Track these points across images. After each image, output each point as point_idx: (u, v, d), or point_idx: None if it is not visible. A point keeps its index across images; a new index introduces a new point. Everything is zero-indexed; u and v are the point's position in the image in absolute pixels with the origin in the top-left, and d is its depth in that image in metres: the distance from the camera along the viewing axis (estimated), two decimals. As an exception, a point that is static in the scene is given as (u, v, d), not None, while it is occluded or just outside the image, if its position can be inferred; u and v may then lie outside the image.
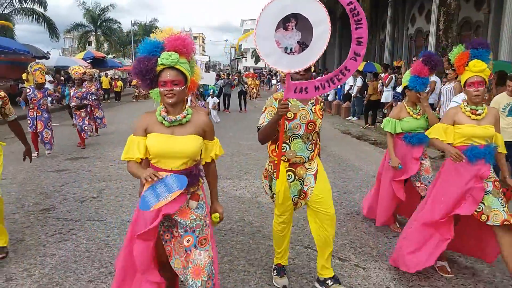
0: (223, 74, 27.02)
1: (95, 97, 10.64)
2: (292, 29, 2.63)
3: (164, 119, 2.36)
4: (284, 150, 3.06)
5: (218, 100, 15.15)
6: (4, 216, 3.95)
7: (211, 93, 13.87)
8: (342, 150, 9.23)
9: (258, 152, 8.77)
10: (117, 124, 13.19)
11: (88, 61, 24.36)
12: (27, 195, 5.76)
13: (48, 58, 21.17)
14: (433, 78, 9.34)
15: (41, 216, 4.92)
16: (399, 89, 9.48)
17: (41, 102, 8.32)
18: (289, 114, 2.94)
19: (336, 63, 27.40)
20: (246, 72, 30.69)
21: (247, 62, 64.24)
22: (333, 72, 2.72)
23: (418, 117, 4.26)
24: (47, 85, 15.18)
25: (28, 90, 8.31)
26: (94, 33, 39.58)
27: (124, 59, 41.62)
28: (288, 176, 3.09)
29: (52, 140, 8.52)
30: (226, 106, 17.89)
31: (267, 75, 34.25)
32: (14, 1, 24.92)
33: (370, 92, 13.02)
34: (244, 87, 18.15)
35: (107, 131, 11.61)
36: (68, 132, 11.35)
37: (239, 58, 69.82)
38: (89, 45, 42.40)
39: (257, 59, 56.48)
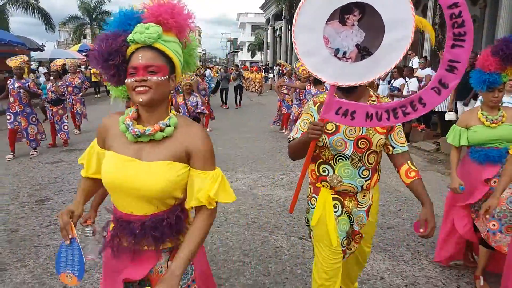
0: (214, 66, 26.20)
1: (77, 90, 9.94)
2: (353, 25, 1.84)
3: (128, 129, 1.52)
4: (326, 173, 2.21)
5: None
6: None
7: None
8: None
9: (253, 145, 8.88)
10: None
11: (83, 54, 24.17)
12: (22, 187, 5.74)
13: (43, 50, 21.07)
14: (429, 72, 9.37)
15: (35, 207, 4.91)
16: (395, 83, 9.45)
17: (21, 94, 7.47)
18: (329, 126, 2.14)
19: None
20: (252, 66, 30.14)
21: (244, 55, 64.02)
22: (399, 102, 1.91)
23: (494, 125, 3.04)
24: (42, 78, 15.05)
25: (9, 82, 7.55)
26: (89, 25, 39.28)
27: (120, 52, 41.27)
28: (334, 207, 2.23)
29: (39, 136, 7.80)
30: (224, 101, 16.70)
31: (263, 68, 34.11)
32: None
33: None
34: (242, 82, 17.49)
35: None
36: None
37: (236, 52, 69.62)
38: (84, 37, 42.06)
39: (253, 52, 56.35)
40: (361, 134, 2.12)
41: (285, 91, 10.40)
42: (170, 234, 1.54)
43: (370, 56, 1.85)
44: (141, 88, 1.46)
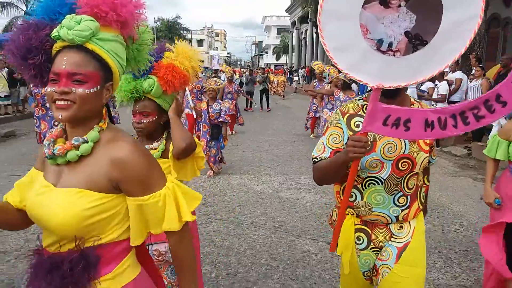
0: (239, 69, 26.34)
1: None
2: (399, 6, 1.42)
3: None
4: (353, 198, 1.80)
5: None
6: None
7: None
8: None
9: (279, 148, 8.84)
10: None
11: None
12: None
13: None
14: (459, 75, 9.12)
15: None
16: (423, 87, 9.23)
17: (46, 98, 7.47)
18: None
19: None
20: (278, 69, 30.09)
21: (268, 58, 64.11)
22: (467, 103, 1.44)
23: None
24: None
25: (32, 85, 7.40)
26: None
27: (147, 55, 41.99)
28: (358, 239, 1.84)
29: None
30: (249, 104, 16.27)
31: (288, 71, 34.07)
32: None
33: (393, 89, 12.72)
34: (267, 85, 17.39)
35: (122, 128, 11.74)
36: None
37: (260, 55, 69.81)
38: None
39: (278, 55, 56.37)
40: (403, 152, 1.70)
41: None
42: (60, 284, 1.14)
43: (424, 46, 1.43)
44: (62, 103, 1.13)
